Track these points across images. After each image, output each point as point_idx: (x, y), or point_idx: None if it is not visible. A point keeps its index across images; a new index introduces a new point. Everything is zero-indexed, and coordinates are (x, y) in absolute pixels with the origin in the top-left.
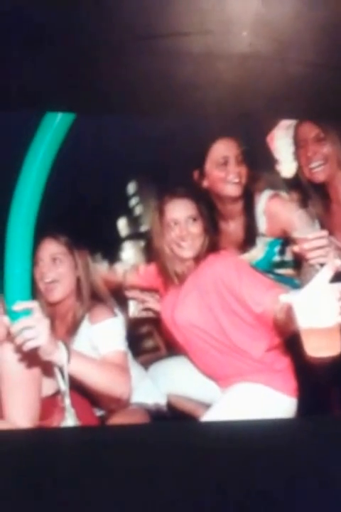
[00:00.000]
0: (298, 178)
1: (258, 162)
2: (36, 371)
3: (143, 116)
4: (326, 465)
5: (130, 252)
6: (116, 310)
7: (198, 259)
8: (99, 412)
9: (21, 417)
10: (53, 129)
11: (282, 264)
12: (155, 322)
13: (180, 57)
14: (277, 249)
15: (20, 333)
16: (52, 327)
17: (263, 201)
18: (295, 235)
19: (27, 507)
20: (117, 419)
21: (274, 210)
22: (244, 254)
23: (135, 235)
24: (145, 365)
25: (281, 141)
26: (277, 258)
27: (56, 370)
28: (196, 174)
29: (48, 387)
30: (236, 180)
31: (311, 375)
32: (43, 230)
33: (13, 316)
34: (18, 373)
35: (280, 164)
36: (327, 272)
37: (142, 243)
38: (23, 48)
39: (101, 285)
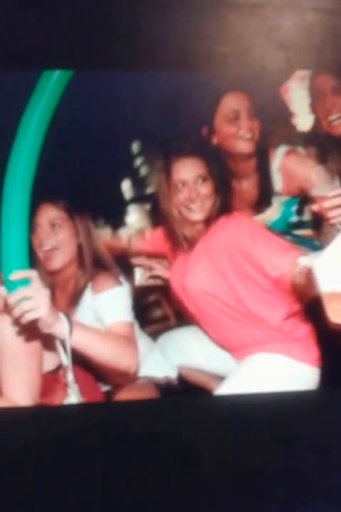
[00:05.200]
0: (316, 131)
1: (271, 116)
2: (36, 345)
3: (147, 70)
4: None
5: (135, 216)
6: (121, 278)
7: (209, 221)
8: (104, 388)
9: (21, 394)
10: (50, 87)
11: (300, 225)
12: (164, 290)
13: (189, 7)
14: (294, 208)
15: (18, 305)
16: (53, 297)
17: (278, 157)
18: (314, 192)
19: (30, 489)
20: (124, 395)
21: (290, 166)
22: (258, 215)
23: (140, 198)
24: (154, 336)
25: (296, 93)
26: (294, 218)
27: (57, 344)
28: (205, 130)
29: (49, 361)
30: (249, 135)
31: (334, 343)
32: (41, 194)
33: (10, 286)
34: (17, 347)
35: (296, 117)
36: None
37: (148, 206)
38: (17, 4)
39: (105, 252)
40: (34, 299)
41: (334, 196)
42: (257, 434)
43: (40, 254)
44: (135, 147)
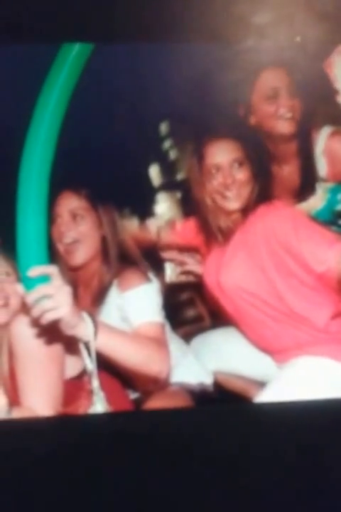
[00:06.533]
0: None
1: (314, 93)
2: (57, 348)
3: (176, 43)
4: None
5: (164, 205)
6: (150, 274)
7: (246, 211)
8: (133, 395)
9: (41, 403)
10: (70, 63)
11: None
12: (197, 287)
13: None
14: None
15: (37, 304)
16: (75, 296)
17: (322, 139)
18: None
19: (52, 504)
20: (155, 403)
21: (336, 149)
22: (301, 204)
23: (170, 185)
24: (187, 338)
25: None
26: None
27: (81, 347)
28: (241, 110)
29: (72, 367)
30: (289, 115)
31: None
32: (60, 181)
33: (29, 283)
34: (36, 351)
35: None
36: None
37: (178, 194)
38: None
39: (132, 245)
40: (55, 298)
41: None
42: (302, 446)
43: (61, 248)
44: (163, 128)
